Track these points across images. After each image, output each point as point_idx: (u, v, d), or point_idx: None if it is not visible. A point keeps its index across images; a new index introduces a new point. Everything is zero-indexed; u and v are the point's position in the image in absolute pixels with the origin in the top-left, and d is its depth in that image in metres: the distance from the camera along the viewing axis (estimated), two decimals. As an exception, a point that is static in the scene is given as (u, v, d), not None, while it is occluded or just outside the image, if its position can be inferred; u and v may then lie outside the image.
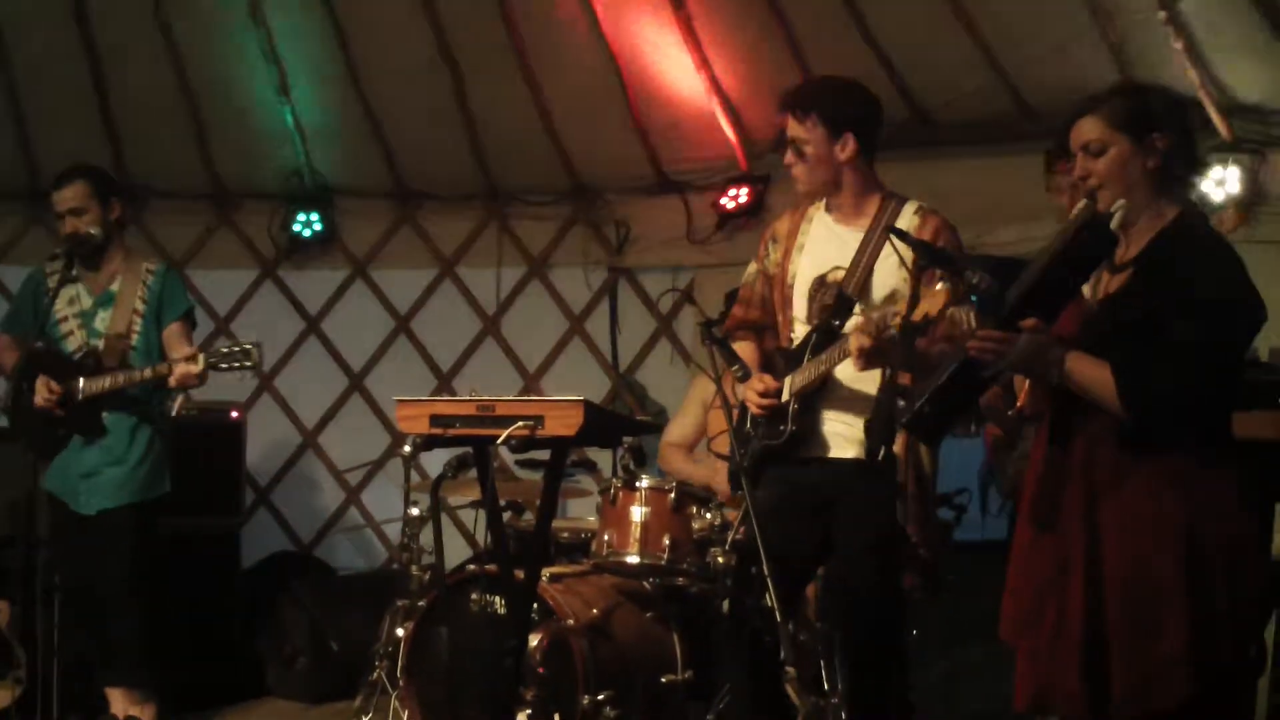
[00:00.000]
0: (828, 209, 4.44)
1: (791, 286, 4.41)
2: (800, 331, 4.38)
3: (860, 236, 4.31)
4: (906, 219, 4.26)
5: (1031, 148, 5.55)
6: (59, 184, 5.52)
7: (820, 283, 4.36)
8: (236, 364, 5.26)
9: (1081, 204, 3.32)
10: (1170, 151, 3.28)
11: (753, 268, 4.61)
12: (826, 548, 4.30)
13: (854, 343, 3.93)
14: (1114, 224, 3.24)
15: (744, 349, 4.50)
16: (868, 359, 3.92)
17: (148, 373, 5.33)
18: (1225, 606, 3.11)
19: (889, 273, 4.23)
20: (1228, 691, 3.20)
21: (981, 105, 6.55)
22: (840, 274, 4.31)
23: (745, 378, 4.32)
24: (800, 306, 4.39)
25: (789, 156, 4.34)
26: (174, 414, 6.14)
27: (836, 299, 4.26)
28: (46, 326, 5.46)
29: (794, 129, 4.29)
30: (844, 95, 4.38)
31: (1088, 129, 3.33)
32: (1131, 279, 3.28)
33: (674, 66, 7.14)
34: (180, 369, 5.24)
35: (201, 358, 5.22)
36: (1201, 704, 3.12)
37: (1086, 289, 3.39)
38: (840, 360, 4.13)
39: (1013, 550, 3.48)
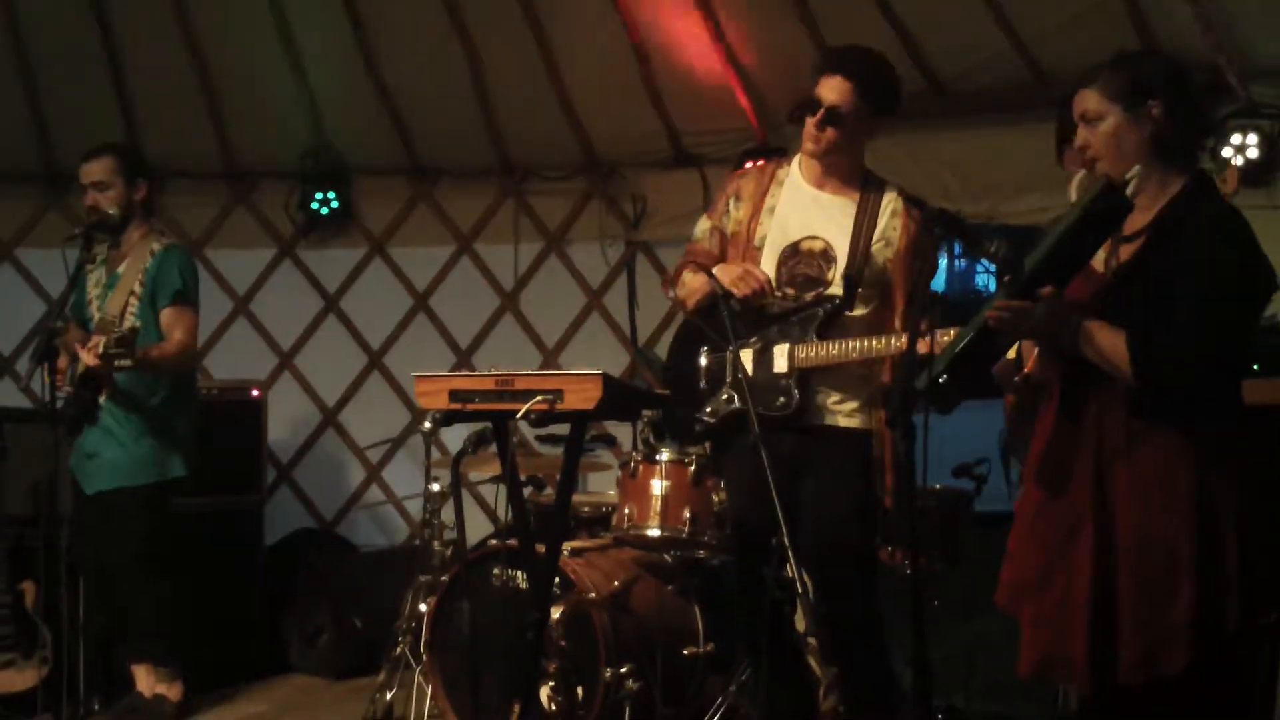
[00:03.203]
0: (804, 171, 4.45)
1: (759, 250, 4.41)
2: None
3: (850, 211, 4.35)
4: (889, 207, 4.35)
5: (1048, 116, 5.50)
6: (88, 157, 5.54)
7: (794, 249, 4.37)
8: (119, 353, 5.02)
9: (1081, 174, 3.33)
10: (1166, 119, 3.26)
11: (706, 224, 4.59)
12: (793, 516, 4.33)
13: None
14: (1130, 191, 3.23)
15: (696, 276, 4.44)
16: None
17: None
18: (1235, 573, 3.11)
19: (880, 253, 4.32)
20: (1231, 657, 3.20)
21: (998, 74, 6.52)
22: (818, 244, 4.34)
23: (728, 298, 4.24)
24: (768, 269, 4.39)
25: (815, 119, 4.29)
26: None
27: (845, 282, 4.29)
28: (78, 306, 5.51)
29: (844, 98, 4.26)
30: (889, 78, 4.37)
31: (1086, 100, 3.34)
32: (1141, 249, 3.28)
33: (690, 38, 7.11)
34: (83, 356, 5.16)
35: (100, 343, 5.04)
36: (1205, 669, 3.12)
37: (1099, 260, 3.38)
38: (872, 353, 4.16)
39: (1016, 516, 3.49)
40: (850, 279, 4.29)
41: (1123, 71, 3.32)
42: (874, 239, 4.33)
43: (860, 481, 4.29)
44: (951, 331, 3.86)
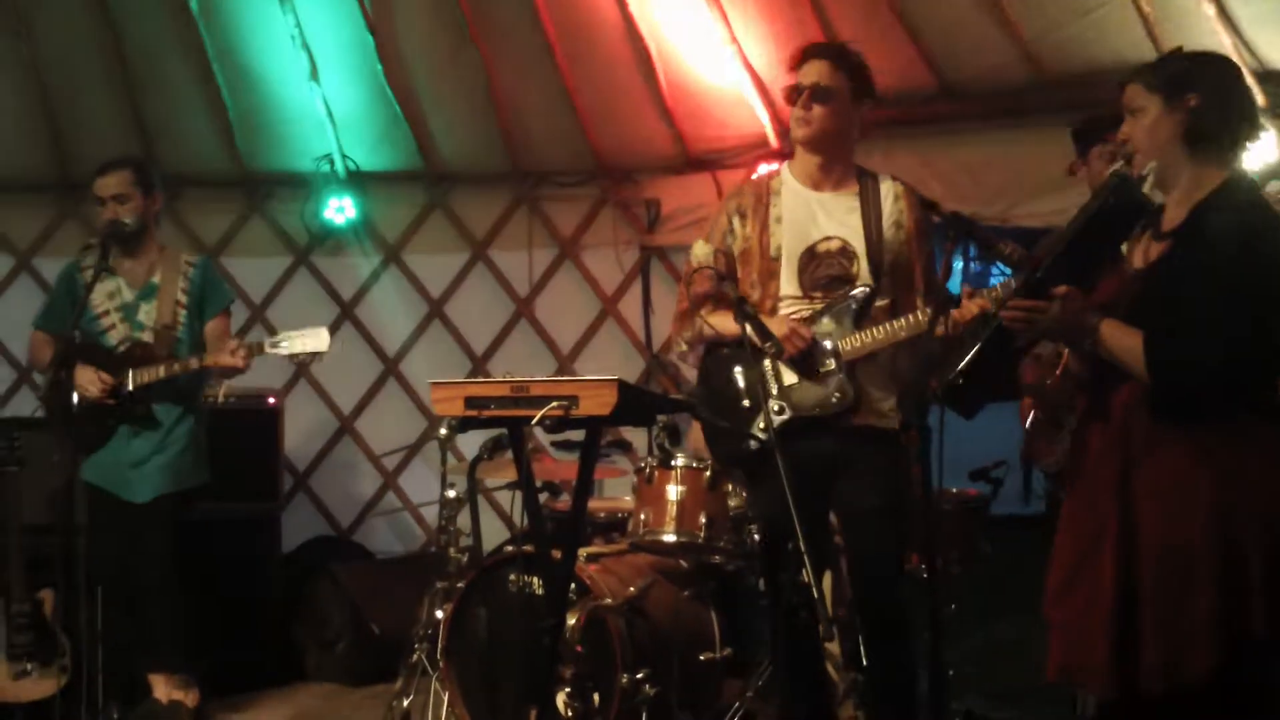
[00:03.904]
0: (798, 176, 4.48)
1: (777, 260, 4.42)
2: (792, 304, 4.39)
3: (854, 207, 4.38)
4: (890, 193, 4.39)
5: (1060, 119, 5.51)
6: (104, 170, 5.58)
7: (811, 253, 4.38)
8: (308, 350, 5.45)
9: (1112, 168, 3.31)
10: (1202, 112, 3.23)
11: (707, 249, 4.52)
12: (825, 515, 4.36)
13: (970, 309, 4.04)
14: (1146, 187, 3.21)
15: (725, 319, 4.40)
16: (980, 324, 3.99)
17: (195, 362, 5.41)
18: (1259, 580, 3.07)
19: (892, 239, 4.36)
20: (1261, 666, 3.15)
21: (1010, 78, 6.50)
22: (834, 244, 4.35)
23: (779, 354, 4.31)
24: (789, 278, 4.40)
25: (803, 101, 4.36)
26: (219, 401, 6.21)
27: (871, 268, 4.31)
28: (83, 320, 5.49)
29: (825, 74, 4.35)
30: (859, 59, 4.48)
31: (1130, 93, 3.33)
32: (1170, 248, 3.25)
33: (702, 43, 7.11)
34: (226, 357, 5.39)
35: (267, 344, 5.42)
36: (1232, 678, 3.09)
37: (1136, 257, 3.35)
38: (905, 331, 4.18)
39: (1060, 520, 3.47)
40: (877, 267, 4.31)
41: (1168, 65, 3.33)
42: (885, 226, 4.35)
43: (895, 483, 4.29)
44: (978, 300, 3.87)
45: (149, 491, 5.47)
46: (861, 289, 4.34)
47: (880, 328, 4.25)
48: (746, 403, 4.44)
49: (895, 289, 4.37)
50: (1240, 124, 3.32)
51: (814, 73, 4.37)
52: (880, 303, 4.36)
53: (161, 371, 5.40)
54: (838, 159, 4.44)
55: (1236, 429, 3.16)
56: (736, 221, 4.52)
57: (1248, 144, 3.34)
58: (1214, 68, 3.36)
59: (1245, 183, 3.32)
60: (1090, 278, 3.27)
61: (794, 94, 4.39)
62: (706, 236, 4.60)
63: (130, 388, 5.41)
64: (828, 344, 4.32)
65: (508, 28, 7.32)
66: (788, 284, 4.40)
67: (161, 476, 5.49)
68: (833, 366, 4.30)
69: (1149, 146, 3.28)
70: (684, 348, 4.67)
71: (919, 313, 4.22)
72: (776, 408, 4.38)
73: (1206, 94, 3.25)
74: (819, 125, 4.36)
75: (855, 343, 4.29)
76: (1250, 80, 5.64)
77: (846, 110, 4.38)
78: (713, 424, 4.65)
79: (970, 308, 4.04)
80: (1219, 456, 3.13)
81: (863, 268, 4.35)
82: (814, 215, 4.41)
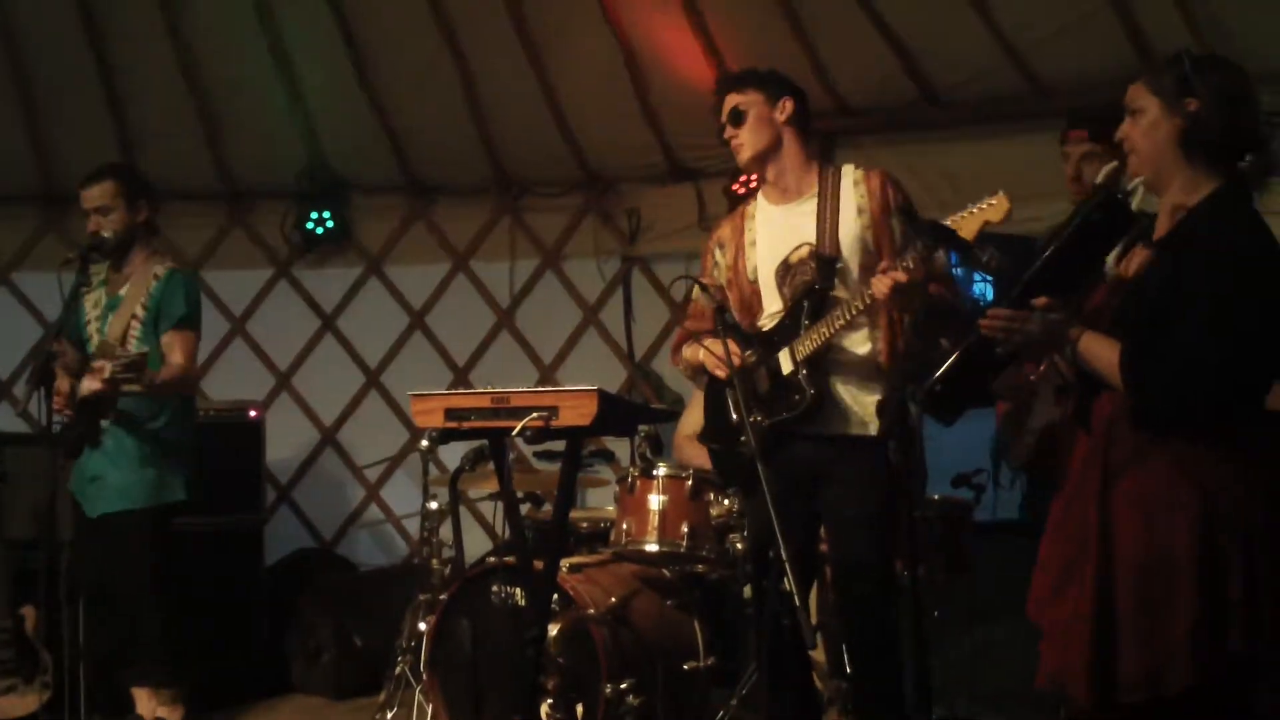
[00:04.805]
0: (768, 196, 4.54)
1: (755, 281, 4.46)
2: (775, 318, 4.41)
3: (813, 206, 4.38)
4: (849, 180, 4.39)
5: (1043, 125, 5.52)
6: (88, 182, 5.50)
7: (785, 267, 4.40)
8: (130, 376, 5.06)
9: (1112, 165, 3.29)
10: (1202, 118, 3.18)
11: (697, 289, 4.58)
12: (814, 525, 4.36)
13: (882, 285, 4.03)
14: (1135, 202, 3.20)
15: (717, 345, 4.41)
16: (903, 295, 4.04)
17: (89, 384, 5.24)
18: (1240, 594, 3.05)
19: (852, 227, 4.34)
20: (1239, 680, 3.14)
21: (992, 84, 6.53)
22: (804, 250, 4.36)
23: (760, 362, 4.32)
24: (771, 296, 4.43)
25: (729, 131, 4.49)
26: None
27: (818, 263, 4.30)
28: (75, 327, 5.47)
29: (733, 99, 4.49)
30: (774, 72, 4.58)
31: (1133, 93, 3.29)
32: (1156, 257, 3.22)
33: (683, 53, 7.12)
34: (85, 382, 5.18)
35: (109, 367, 5.04)
36: (1210, 692, 3.08)
37: (1131, 265, 3.31)
38: (847, 320, 4.18)
39: (1046, 527, 3.46)
40: (824, 260, 4.30)
41: (1172, 68, 3.26)
42: (840, 217, 4.34)
43: (879, 493, 4.24)
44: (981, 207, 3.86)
45: (100, 506, 5.38)
46: (810, 286, 4.32)
47: (824, 321, 4.22)
48: (735, 418, 4.43)
49: (867, 274, 4.28)
50: (1239, 133, 3.26)
51: (725, 105, 4.51)
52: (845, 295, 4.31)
53: (84, 387, 5.23)
54: (788, 168, 4.48)
55: (1218, 440, 3.13)
56: (718, 253, 4.61)
57: (1247, 154, 3.28)
58: (1220, 73, 3.27)
59: (1238, 192, 3.26)
60: (1072, 289, 3.26)
61: (719, 132, 4.54)
62: (700, 274, 4.68)
63: (77, 400, 5.32)
64: (785, 350, 4.32)
65: (489, 37, 7.32)
66: (771, 301, 4.42)
67: (113, 493, 5.36)
68: (790, 368, 4.30)
69: (1145, 149, 3.24)
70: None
71: (857, 296, 4.18)
72: (754, 417, 4.37)
73: (1209, 100, 3.19)
74: (748, 145, 4.46)
75: (806, 340, 4.27)
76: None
77: (767, 118, 4.46)
78: (711, 449, 4.69)
79: (882, 282, 4.03)
80: (1201, 468, 3.11)
81: (811, 266, 4.34)
82: (785, 228, 4.43)
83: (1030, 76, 6.40)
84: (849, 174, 4.41)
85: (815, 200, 4.39)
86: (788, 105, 4.46)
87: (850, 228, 4.34)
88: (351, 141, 7.88)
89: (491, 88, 7.53)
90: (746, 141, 4.46)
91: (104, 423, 5.35)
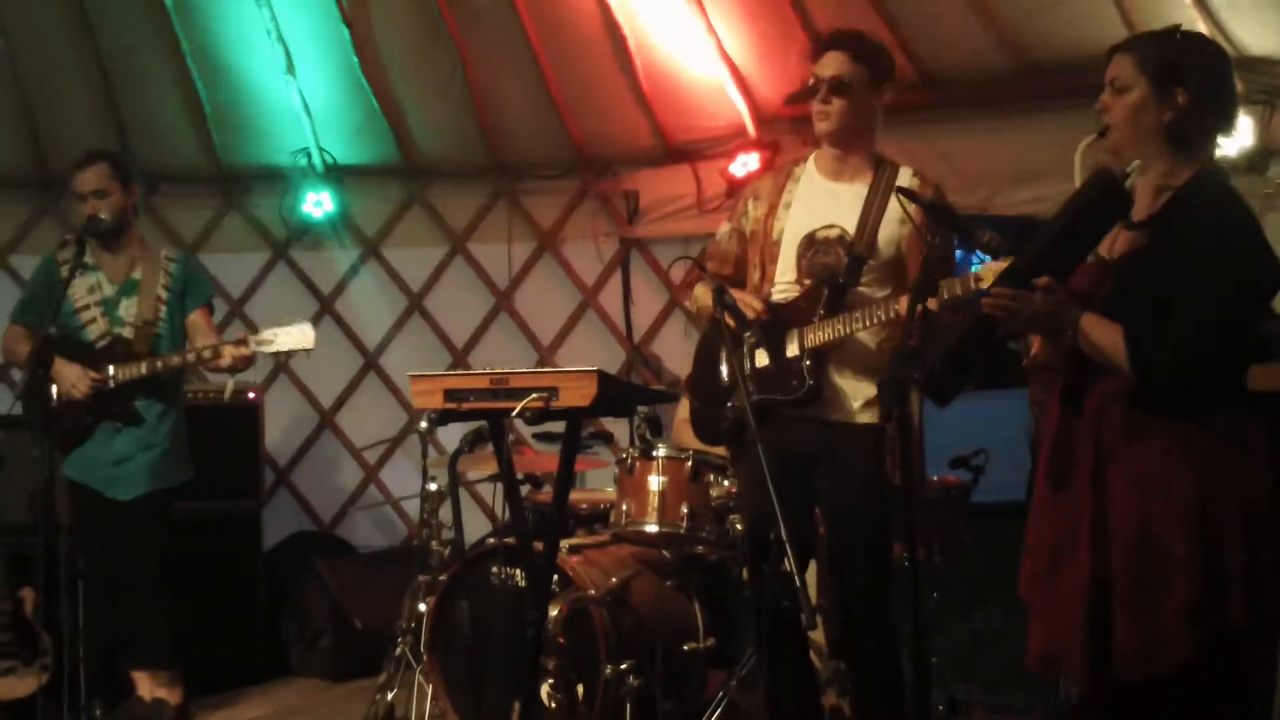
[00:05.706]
0: (821, 166, 4.45)
1: (777, 244, 4.40)
2: (785, 288, 4.37)
3: (862, 194, 4.32)
4: (905, 180, 4.27)
5: (1039, 107, 5.52)
6: (81, 166, 5.52)
7: (810, 240, 4.35)
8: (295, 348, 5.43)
9: (1089, 138, 3.28)
10: (1190, 109, 3.20)
11: (726, 227, 4.60)
12: (809, 507, 4.34)
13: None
14: (1129, 184, 3.20)
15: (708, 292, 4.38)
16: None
17: (187, 357, 5.40)
18: (1237, 571, 3.06)
19: (892, 232, 4.28)
20: (1238, 657, 3.14)
21: (988, 67, 6.50)
22: (834, 231, 4.31)
23: (759, 342, 4.30)
24: (787, 263, 4.38)
25: (823, 95, 4.30)
26: (226, 398, 6.32)
27: (849, 258, 4.26)
28: (62, 314, 5.45)
29: (838, 64, 4.29)
30: (884, 49, 4.43)
31: (1120, 65, 3.28)
32: (1143, 239, 3.23)
33: (680, 35, 7.10)
34: (230, 350, 5.36)
35: (252, 340, 5.37)
36: (1208, 668, 3.09)
37: (1103, 248, 3.33)
38: (864, 327, 4.15)
39: (1030, 509, 3.47)
40: (855, 257, 4.26)
41: (1164, 49, 3.26)
42: (884, 218, 4.28)
43: (874, 477, 4.24)
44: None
45: (134, 489, 5.43)
46: (834, 278, 4.29)
47: (844, 317, 4.20)
48: (725, 384, 4.44)
49: (891, 284, 4.29)
50: (1220, 121, 3.30)
51: (831, 65, 4.30)
52: (879, 295, 4.27)
53: (144, 368, 5.37)
54: (856, 150, 4.38)
55: (1214, 420, 3.14)
56: (752, 204, 4.52)
57: (1220, 138, 3.32)
58: (1206, 60, 3.29)
59: (1217, 174, 3.29)
60: (1070, 271, 3.26)
61: (812, 89, 4.32)
62: (729, 214, 4.63)
63: (113, 384, 5.38)
64: (794, 333, 4.30)
65: (485, 20, 7.31)
66: (785, 269, 4.38)
67: (146, 474, 5.45)
68: (796, 353, 4.29)
69: (1128, 132, 3.25)
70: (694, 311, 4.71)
71: (882, 308, 4.16)
72: (749, 389, 4.37)
73: (1196, 92, 3.20)
74: (838, 119, 4.31)
75: (818, 331, 4.26)
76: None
77: (866, 100, 4.32)
78: (693, 402, 4.67)
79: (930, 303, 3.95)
80: (1197, 448, 3.12)
81: (839, 252, 4.31)
82: (824, 204, 4.36)
83: (1026, 59, 6.36)
84: (904, 177, 4.31)
85: (865, 190, 4.32)
86: (887, 94, 4.36)
87: (890, 230, 4.28)
88: (348, 124, 7.86)
89: (487, 69, 7.53)
90: (838, 116, 4.30)
91: (137, 402, 5.46)
